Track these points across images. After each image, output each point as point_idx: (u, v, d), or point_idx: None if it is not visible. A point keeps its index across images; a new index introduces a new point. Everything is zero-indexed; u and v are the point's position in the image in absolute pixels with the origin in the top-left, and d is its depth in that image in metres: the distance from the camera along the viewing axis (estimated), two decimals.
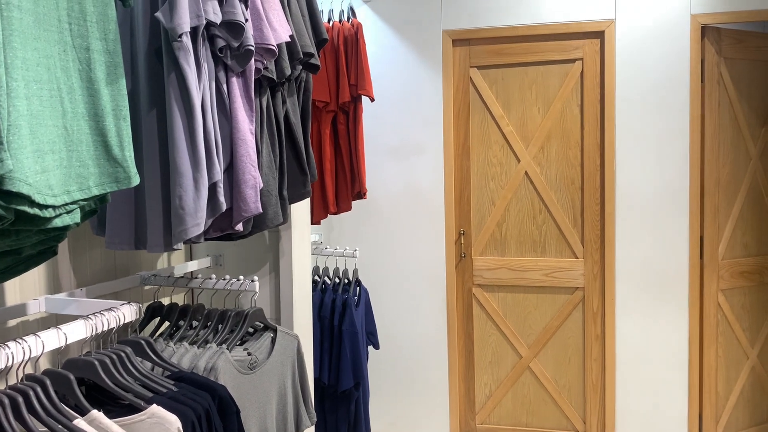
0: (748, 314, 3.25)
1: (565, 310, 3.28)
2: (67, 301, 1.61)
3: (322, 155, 2.77)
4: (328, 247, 3.11)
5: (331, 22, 2.80)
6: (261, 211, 1.62)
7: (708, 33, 3.06)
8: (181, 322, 2.00)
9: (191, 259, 2.43)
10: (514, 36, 3.23)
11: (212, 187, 1.53)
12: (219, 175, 1.51)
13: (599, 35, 3.15)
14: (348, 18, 2.81)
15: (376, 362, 3.44)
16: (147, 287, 2.16)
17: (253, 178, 1.59)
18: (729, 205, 3.16)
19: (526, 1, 3.21)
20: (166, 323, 2.01)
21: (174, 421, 1.35)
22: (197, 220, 1.46)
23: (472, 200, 3.35)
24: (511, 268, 3.32)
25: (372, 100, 2.78)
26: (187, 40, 1.43)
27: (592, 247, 3.23)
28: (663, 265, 3.14)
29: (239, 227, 1.65)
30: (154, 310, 2.00)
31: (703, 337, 3.13)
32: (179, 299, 2.29)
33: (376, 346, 3.09)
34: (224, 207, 1.55)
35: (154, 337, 1.90)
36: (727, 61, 3.11)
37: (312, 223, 2.93)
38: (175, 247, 1.48)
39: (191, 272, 2.41)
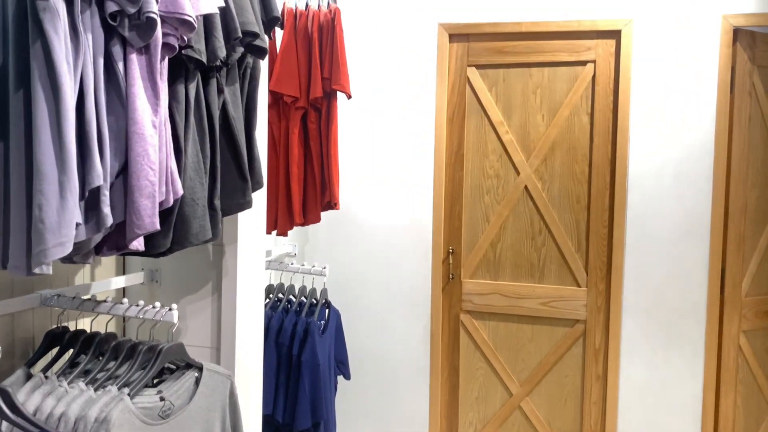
0: None
1: (563, 344, 2.90)
2: None
3: (289, 158, 2.41)
4: (293, 262, 2.76)
5: (306, 7, 2.44)
6: (158, 228, 1.26)
7: (740, 37, 2.68)
8: (86, 354, 1.65)
9: (123, 273, 2.08)
10: (518, 33, 2.86)
11: (95, 195, 1.18)
12: (100, 179, 1.16)
13: (615, 35, 2.77)
14: (327, 3, 2.46)
15: (346, 395, 3.06)
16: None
17: (151, 184, 1.24)
18: (756, 234, 2.77)
19: None
20: (71, 351, 1.66)
21: None
22: (61, 238, 1.10)
23: (463, 215, 2.98)
24: (505, 293, 2.94)
25: (349, 97, 2.42)
26: (55, 1, 1.08)
27: (597, 276, 2.84)
28: (678, 299, 2.75)
29: (136, 245, 1.30)
30: (54, 338, 1.65)
31: (720, 383, 2.74)
32: (101, 324, 1.93)
33: (347, 377, 2.73)
34: (110, 220, 1.20)
35: (47, 373, 1.55)
36: (761, 69, 2.73)
37: (278, 234, 2.57)
38: (36, 270, 1.13)
39: (123, 288, 2.07)
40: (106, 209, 1.19)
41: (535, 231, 2.92)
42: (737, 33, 2.67)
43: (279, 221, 2.51)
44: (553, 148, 2.88)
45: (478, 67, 2.92)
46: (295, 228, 2.74)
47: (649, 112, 2.76)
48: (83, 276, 1.96)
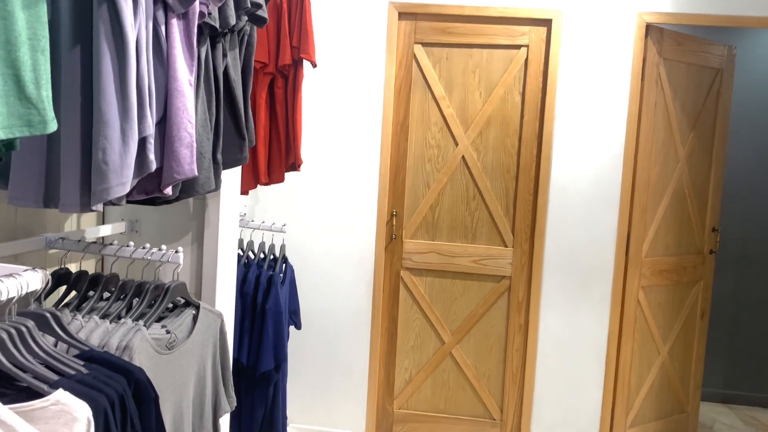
0: (663, 312, 3.35)
1: (490, 298, 3.26)
2: None
3: (256, 121, 2.57)
4: (253, 219, 2.93)
5: None
6: (196, 174, 1.44)
7: (651, 32, 3.08)
8: (91, 293, 1.79)
9: (103, 223, 2.19)
10: (461, 15, 3.13)
11: (142, 142, 1.34)
12: (150, 128, 1.32)
13: (547, 23, 3.10)
14: None
15: (296, 343, 3.29)
16: (52, 251, 1.91)
17: (190, 135, 1.41)
18: (656, 204, 3.22)
19: None
20: (74, 293, 1.79)
21: (83, 409, 1.17)
22: (122, 179, 1.26)
23: (407, 181, 3.25)
24: (441, 252, 3.25)
25: (314, 65, 2.61)
26: None
27: (522, 237, 3.21)
28: (590, 259, 3.16)
29: (168, 191, 1.46)
30: (60, 278, 1.77)
31: (622, 332, 3.19)
32: (88, 267, 2.05)
33: (298, 327, 2.95)
34: (154, 166, 1.36)
35: (59, 308, 1.68)
36: (666, 62, 3.15)
37: (240, 193, 2.73)
38: (93, 207, 1.28)
39: (103, 238, 2.18)
40: (152, 156, 1.35)
41: (470, 197, 3.24)
42: (649, 28, 3.07)
43: (243, 180, 2.66)
44: (489, 122, 3.20)
45: (424, 44, 3.18)
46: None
47: (573, 93, 3.12)
48: (71, 224, 2.06)
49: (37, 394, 1.16)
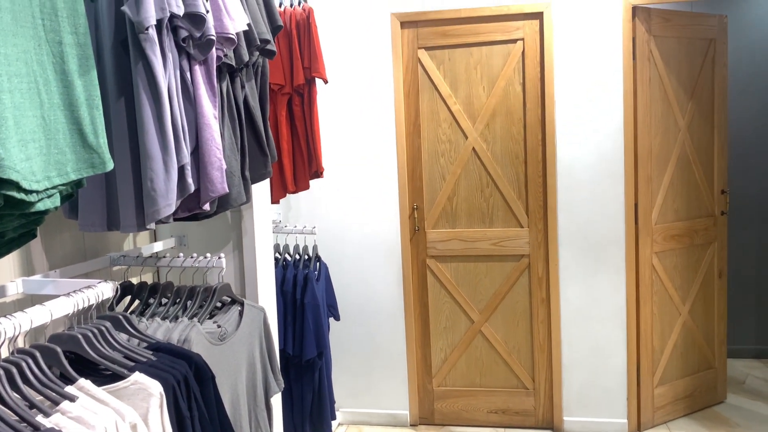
0: (680, 274, 3.52)
1: (512, 276, 3.49)
2: (44, 282, 1.70)
3: (279, 136, 2.87)
4: (287, 225, 3.23)
5: (283, 8, 2.89)
6: (227, 191, 1.73)
7: (638, 13, 3.27)
8: (152, 300, 2.10)
9: (156, 240, 2.52)
10: (459, 18, 3.37)
11: (181, 170, 1.64)
12: (187, 158, 1.61)
13: (538, 16, 3.32)
14: (299, 3, 2.91)
15: (337, 334, 3.59)
16: (115, 268, 2.25)
17: (219, 160, 1.70)
18: (661, 173, 3.41)
19: None
20: (137, 301, 2.11)
21: (156, 386, 1.46)
22: (168, 201, 1.56)
23: (423, 176, 3.51)
24: (462, 239, 3.50)
25: (325, 82, 2.89)
26: (152, 32, 1.52)
27: (536, 217, 3.43)
28: (601, 231, 3.37)
29: (206, 207, 1.76)
30: (125, 289, 2.09)
31: (639, 296, 3.38)
32: (147, 279, 2.38)
33: (337, 318, 3.24)
34: (193, 188, 1.66)
35: (126, 313, 2.00)
36: (657, 39, 3.33)
37: (271, 203, 3.04)
38: (148, 226, 1.59)
39: (157, 253, 2.51)
40: (190, 180, 1.65)
41: (483, 184, 3.48)
42: (636, 9, 3.26)
43: (273, 191, 2.97)
44: (494, 114, 3.43)
45: (427, 48, 3.43)
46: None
47: (570, 79, 3.33)
48: (129, 244, 2.39)
49: (119, 377, 1.47)
